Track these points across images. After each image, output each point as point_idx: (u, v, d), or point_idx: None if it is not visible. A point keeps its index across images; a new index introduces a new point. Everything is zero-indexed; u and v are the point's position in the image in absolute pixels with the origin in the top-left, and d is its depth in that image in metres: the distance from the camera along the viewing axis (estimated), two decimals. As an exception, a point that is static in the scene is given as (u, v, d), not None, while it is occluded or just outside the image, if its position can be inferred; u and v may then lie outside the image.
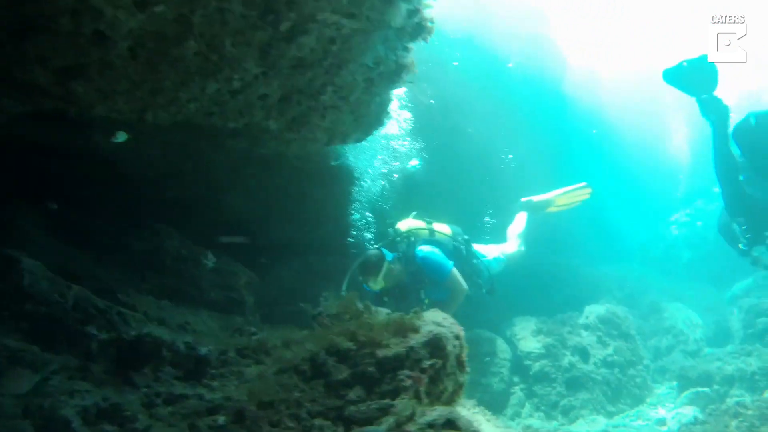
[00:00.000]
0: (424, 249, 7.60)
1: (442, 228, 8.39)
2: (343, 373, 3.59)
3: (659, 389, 10.80)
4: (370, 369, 3.51)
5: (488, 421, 6.79)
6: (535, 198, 10.85)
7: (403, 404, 3.19)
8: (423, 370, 3.56)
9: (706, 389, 9.86)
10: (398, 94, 10.71)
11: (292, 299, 8.90)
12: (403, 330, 3.74)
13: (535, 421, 9.80)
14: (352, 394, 3.45)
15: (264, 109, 4.90)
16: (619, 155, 22.86)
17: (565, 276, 15.43)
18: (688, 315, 12.41)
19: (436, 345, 3.64)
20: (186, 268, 7.50)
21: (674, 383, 10.42)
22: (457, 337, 3.81)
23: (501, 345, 10.88)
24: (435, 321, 3.85)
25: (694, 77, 7.40)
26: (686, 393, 9.88)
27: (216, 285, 7.79)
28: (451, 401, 3.81)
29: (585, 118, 18.21)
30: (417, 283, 7.54)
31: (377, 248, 7.73)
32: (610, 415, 10.01)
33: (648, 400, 10.42)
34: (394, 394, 3.39)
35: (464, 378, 3.92)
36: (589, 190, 11.20)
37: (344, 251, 8.80)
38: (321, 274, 9.70)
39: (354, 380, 3.51)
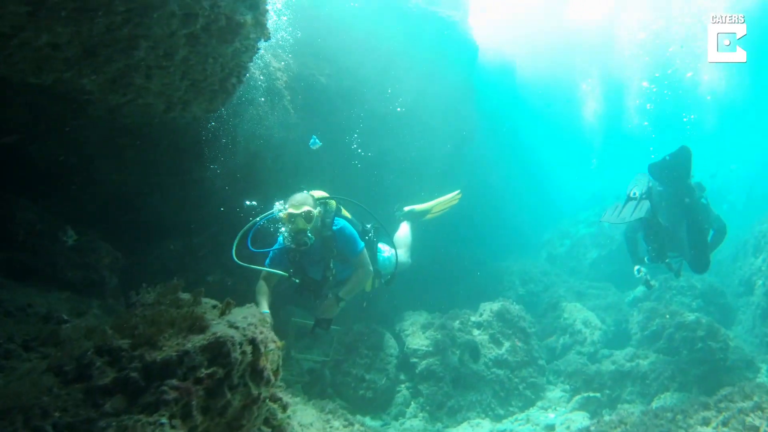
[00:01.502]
0: (341, 221, 7.07)
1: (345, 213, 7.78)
2: (106, 377, 2.76)
3: (552, 391, 10.27)
4: (134, 375, 2.73)
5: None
6: (417, 207, 10.22)
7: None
8: (198, 380, 2.73)
9: (598, 394, 9.41)
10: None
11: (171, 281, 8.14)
12: (192, 327, 2.90)
13: (418, 422, 9.13)
14: (109, 406, 2.67)
15: (66, 63, 4.08)
16: (528, 147, 22.88)
17: (469, 269, 15.03)
18: (586, 316, 11.98)
19: (217, 351, 2.83)
20: (41, 244, 6.65)
21: (567, 386, 9.92)
22: (252, 342, 2.96)
23: (389, 340, 10.20)
24: (231, 321, 3.04)
25: (673, 165, 7.94)
26: (577, 397, 9.45)
27: (74, 264, 6.94)
28: (240, 418, 2.93)
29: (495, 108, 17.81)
30: (327, 251, 6.99)
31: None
32: (498, 418, 9.43)
33: (539, 403, 9.87)
34: (155, 407, 2.63)
35: (264, 391, 3.07)
36: (460, 196, 10.82)
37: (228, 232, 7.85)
38: (205, 256, 9.06)
39: (116, 387, 2.72)
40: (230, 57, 4.77)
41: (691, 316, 10.43)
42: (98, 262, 7.29)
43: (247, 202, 7.87)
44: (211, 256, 9.10)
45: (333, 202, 7.25)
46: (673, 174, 7.98)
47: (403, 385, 9.70)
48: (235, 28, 4.36)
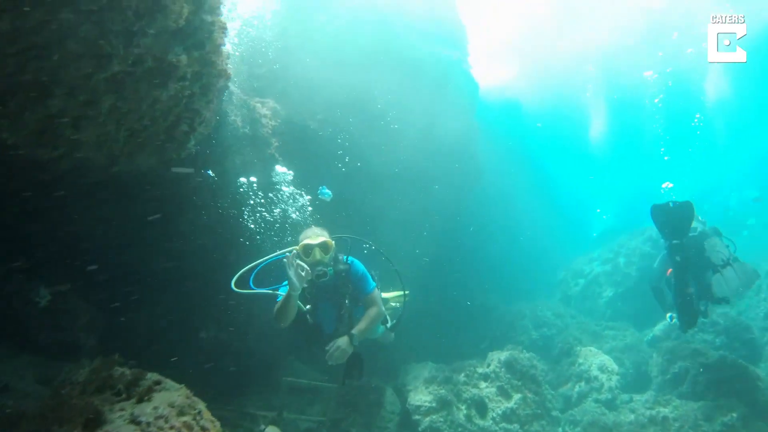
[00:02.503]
0: (352, 258, 6.46)
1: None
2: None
3: (566, 444, 9.55)
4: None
5: None
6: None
7: None
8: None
9: (616, 448, 8.68)
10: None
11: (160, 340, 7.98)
12: (87, 423, 2.44)
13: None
14: None
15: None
16: (539, 180, 22.37)
17: (480, 314, 14.46)
18: (602, 360, 11.24)
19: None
20: (10, 306, 6.53)
21: (583, 439, 9.22)
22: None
23: (390, 396, 9.61)
24: (136, 415, 2.58)
25: (675, 218, 8.20)
26: (594, 453, 8.68)
27: (46, 326, 6.79)
28: None
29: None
30: (341, 287, 6.32)
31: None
32: (510, 478, 8.71)
33: (554, 459, 9.14)
34: None
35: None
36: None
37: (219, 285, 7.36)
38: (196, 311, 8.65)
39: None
40: (171, 102, 4.32)
41: (714, 355, 9.72)
42: (73, 323, 7.08)
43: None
44: (202, 310, 8.69)
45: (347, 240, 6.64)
46: (676, 225, 8.31)
47: (408, 444, 9.06)
48: (167, 69, 3.92)
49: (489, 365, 9.91)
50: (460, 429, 8.81)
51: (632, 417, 9.13)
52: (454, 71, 14.02)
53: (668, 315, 9.18)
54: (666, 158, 30.05)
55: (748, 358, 11.15)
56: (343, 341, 5.88)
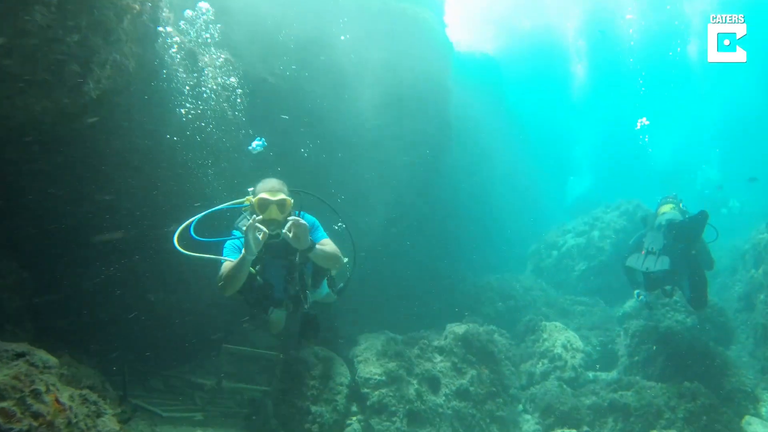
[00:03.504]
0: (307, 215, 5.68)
1: None
2: None
3: (527, 423, 9.03)
4: None
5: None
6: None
7: None
8: None
9: (574, 431, 8.14)
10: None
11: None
12: None
13: (368, 464, 7.92)
14: None
15: None
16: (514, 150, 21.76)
17: (448, 284, 13.87)
18: (567, 337, 10.69)
19: None
20: None
21: (541, 420, 8.70)
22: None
23: (339, 367, 8.98)
24: None
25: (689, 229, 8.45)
26: (550, 435, 8.15)
27: None
28: None
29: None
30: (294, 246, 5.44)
31: None
32: (457, 458, 8.19)
33: (508, 439, 8.61)
34: None
35: None
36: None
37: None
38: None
39: None
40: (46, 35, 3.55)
41: (684, 338, 9.23)
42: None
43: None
44: (152, 274, 8.17)
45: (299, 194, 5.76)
46: (689, 235, 8.47)
47: (354, 418, 8.43)
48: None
49: (446, 338, 9.31)
50: (408, 405, 8.22)
51: (593, 400, 8.58)
52: (425, 27, 13.15)
53: (636, 292, 9.18)
54: (643, 90, 30.12)
55: (720, 341, 10.75)
56: (299, 226, 5.01)
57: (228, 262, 5.09)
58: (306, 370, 8.64)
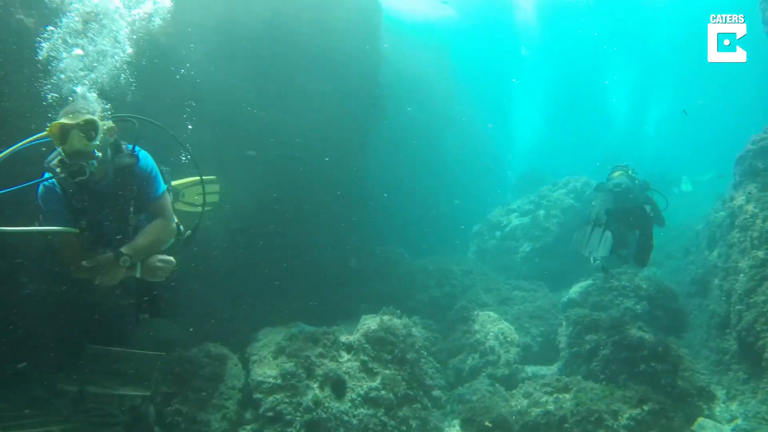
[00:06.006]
0: (142, 150, 4.46)
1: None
2: None
3: (450, 429, 7.77)
4: None
5: None
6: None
7: None
8: None
9: (499, 445, 6.90)
10: None
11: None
12: None
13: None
14: None
15: None
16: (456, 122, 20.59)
17: (381, 268, 12.56)
18: (501, 329, 9.44)
19: None
20: None
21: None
22: None
23: (233, 368, 7.76)
24: None
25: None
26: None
27: None
28: None
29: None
30: (124, 190, 4.34)
31: None
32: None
33: (423, 452, 7.34)
34: None
35: None
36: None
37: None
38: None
39: None
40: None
41: (634, 333, 8.09)
42: None
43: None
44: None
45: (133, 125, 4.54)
46: (634, 199, 8.71)
47: (248, 427, 7.15)
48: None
49: (358, 332, 7.97)
50: (307, 415, 6.86)
51: (525, 404, 7.32)
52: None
53: (591, 257, 9.14)
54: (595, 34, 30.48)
55: (671, 330, 9.88)
56: (106, 259, 4.01)
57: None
58: (194, 371, 7.45)
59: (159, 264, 4.28)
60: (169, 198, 4.71)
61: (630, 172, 9.29)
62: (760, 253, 8.12)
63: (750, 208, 8.78)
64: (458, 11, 24.86)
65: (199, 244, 5.36)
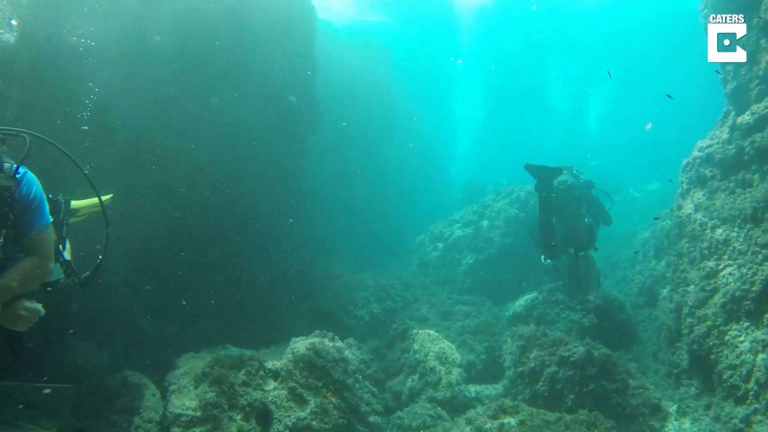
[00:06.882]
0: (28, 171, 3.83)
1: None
2: None
3: (389, 461, 7.13)
4: None
5: None
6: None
7: None
8: None
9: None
10: None
11: None
12: None
13: None
14: None
15: None
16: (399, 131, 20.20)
17: (318, 284, 11.93)
18: (442, 348, 8.81)
19: None
20: None
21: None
22: None
23: (150, 399, 7.02)
24: None
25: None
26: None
27: None
28: None
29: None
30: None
31: None
32: None
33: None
34: None
35: None
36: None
37: None
38: None
39: None
40: None
41: (579, 349, 7.58)
42: None
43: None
44: None
45: (25, 140, 3.89)
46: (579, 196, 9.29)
47: (165, 468, 6.41)
48: None
49: (286, 357, 7.26)
50: (228, 451, 6.12)
51: (467, 431, 6.72)
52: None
53: (542, 257, 9.89)
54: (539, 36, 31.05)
55: (620, 343, 9.39)
56: None
57: None
58: (109, 402, 6.77)
59: (22, 312, 3.58)
60: (51, 234, 4.02)
61: (574, 171, 9.45)
62: (711, 264, 7.74)
63: (699, 217, 8.42)
64: (392, 15, 24.48)
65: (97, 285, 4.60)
